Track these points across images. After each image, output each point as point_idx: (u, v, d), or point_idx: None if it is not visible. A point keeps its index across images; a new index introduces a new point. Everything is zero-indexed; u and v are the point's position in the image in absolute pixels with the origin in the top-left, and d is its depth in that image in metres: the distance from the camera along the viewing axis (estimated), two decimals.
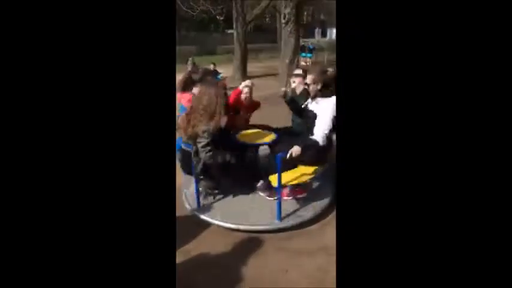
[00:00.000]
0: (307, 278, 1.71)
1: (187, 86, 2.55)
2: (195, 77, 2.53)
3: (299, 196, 2.37)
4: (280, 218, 2.12)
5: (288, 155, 2.05)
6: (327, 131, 2.19)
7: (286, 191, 2.36)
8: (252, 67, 9.78)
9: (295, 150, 2.07)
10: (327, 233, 2.11)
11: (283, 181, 2.06)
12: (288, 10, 5.67)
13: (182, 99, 2.48)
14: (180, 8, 8.84)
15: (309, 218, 2.20)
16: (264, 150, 2.50)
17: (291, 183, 2.17)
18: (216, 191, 2.43)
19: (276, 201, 2.16)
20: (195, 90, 2.47)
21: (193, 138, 2.12)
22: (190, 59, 6.70)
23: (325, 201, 2.35)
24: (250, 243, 2.01)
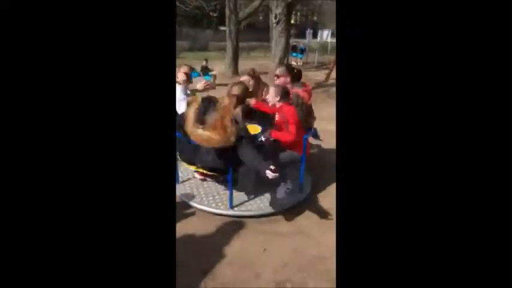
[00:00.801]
0: (283, 256, 1.89)
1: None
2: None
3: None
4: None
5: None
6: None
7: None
8: (244, 65, 9.87)
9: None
10: (302, 218, 2.30)
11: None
12: (279, 10, 5.82)
13: None
14: None
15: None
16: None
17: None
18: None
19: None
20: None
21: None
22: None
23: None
24: (233, 226, 2.18)
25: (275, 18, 5.94)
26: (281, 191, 2.25)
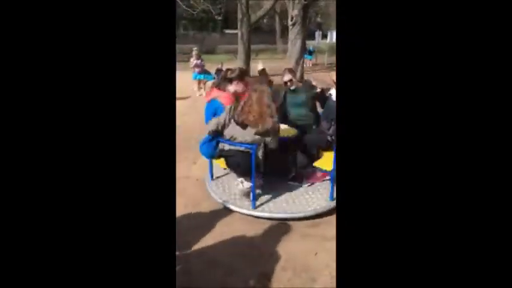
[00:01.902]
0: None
1: (222, 83, 2.62)
2: (232, 75, 2.60)
3: (327, 178, 2.59)
4: (333, 198, 2.36)
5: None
6: None
7: (319, 175, 2.58)
8: (253, 67, 9.89)
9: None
10: None
11: (328, 165, 2.31)
12: (295, 12, 5.82)
13: (220, 97, 2.52)
14: (179, 6, 8.85)
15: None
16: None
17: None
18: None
19: (308, 187, 2.49)
20: (231, 87, 2.58)
21: (262, 134, 2.19)
22: (195, 48, 6.83)
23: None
24: (278, 230, 2.15)
25: (291, 20, 5.93)
26: None
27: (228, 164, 2.39)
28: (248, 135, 2.21)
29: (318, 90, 2.68)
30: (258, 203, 2.35)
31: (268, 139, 2.19)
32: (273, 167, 2.40)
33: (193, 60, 7.15)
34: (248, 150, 2.19)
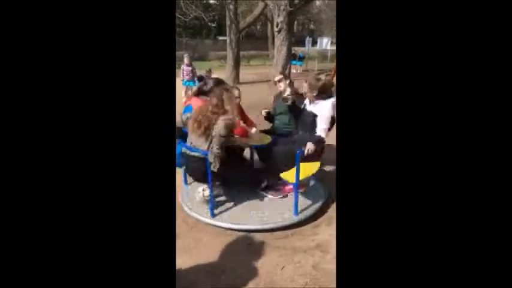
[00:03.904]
0: (303, 275, 1.77)
1: (199, 94, 2.61)
2: (205, 88, 2.56)
3: (301, 191, 2.48)
4: (297, 213, 2.24)
5: (306, 152, 2.28)
6: (326, 127, 2.50)
7: (289, 187, 2.49)
8: (244, 73, 9.89)
9: (310, 147, 2.33)
10: (321, 231, 2.19)
11: (291, 177, 2.19)
12: (281, 18, 5.82)
13: (192, 102, 2.53)
14: None
15: (317, 209, 2.36)
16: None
17: (301, 178, 2.26)
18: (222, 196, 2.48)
19: (279, 199, 2.39)
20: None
21: (206, 139, 2.12)
22: (186, 55, 6.91)
23: (319, 199, 2.45)
24: (246, 243, 2.07)
25: (277, 26, 5.93)
26: None
27: (187, 170, 2.33)
28: (200, 140, 2.14)
29: (290, 102, 2.62)
30: (219, 211, 2.28)
31: (216, 143, 2.09)
32: (239, 176, 2.32)
33: (183, 67, 7.19)
34: (203, 156, 2.11)
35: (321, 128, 2.50)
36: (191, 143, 2.21)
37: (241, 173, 2.32)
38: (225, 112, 2.14)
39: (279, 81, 2.94)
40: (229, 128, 2.11)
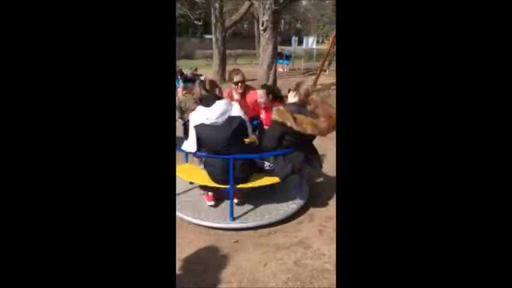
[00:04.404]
0: (285, 271, 1.80)
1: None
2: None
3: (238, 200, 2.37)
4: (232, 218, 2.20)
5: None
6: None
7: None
8: (229, 72, 9.86)
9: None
10: (304, 228, 2.23)
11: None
12: (266, 17, 5.83)
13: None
14: None
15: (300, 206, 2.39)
16: None
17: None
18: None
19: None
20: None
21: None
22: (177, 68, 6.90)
23: (294, 203, 2.43)
24: (229, 241, 2.07)
25: (262, 25, 5.94)
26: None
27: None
28: None
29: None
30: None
31: None
32: None
33: None
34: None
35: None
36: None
37: None
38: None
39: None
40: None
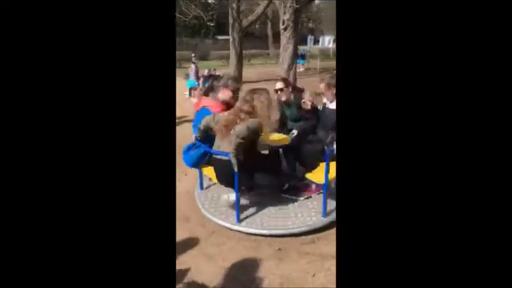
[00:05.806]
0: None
1: (209, 91, 2.58)
2: (217, 83, 2.52)
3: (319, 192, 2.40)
4: (326, 215, 2.15)
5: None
6: None
7: (313, 188, 2.42)
8: (246, 72, 9.80)
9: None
10: None
11: (319, 177, 2.11)
12: (287, 16, 5.73)
13: (209, 106, 2.44)
14: None
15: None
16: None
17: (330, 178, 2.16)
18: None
19: (304, 201, 2.31)
20: (220, 95, 2.49)
21: (230, 141, 2.03)
22: (193, 55, 7.00)
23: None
24: (270, 248, 1.98)
25: (283, 24, 5.83)
26: None
27: (215, 175, 2.22)
28: (225, 142, 2.04)
29: (308, 107, 2.54)
30: (243, 216, 2.18)
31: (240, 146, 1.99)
32: (265, 178, 2.22)
33: (192, 66, 7.20)
34: (228, 159, 2.00)
35: None
36: (218, 147, 2.12)
37: (266, 176, 2.22)
38: (254, 116, 2.04)
39: (281, 90, 2.75)
40: (252, 131, 2.01)
